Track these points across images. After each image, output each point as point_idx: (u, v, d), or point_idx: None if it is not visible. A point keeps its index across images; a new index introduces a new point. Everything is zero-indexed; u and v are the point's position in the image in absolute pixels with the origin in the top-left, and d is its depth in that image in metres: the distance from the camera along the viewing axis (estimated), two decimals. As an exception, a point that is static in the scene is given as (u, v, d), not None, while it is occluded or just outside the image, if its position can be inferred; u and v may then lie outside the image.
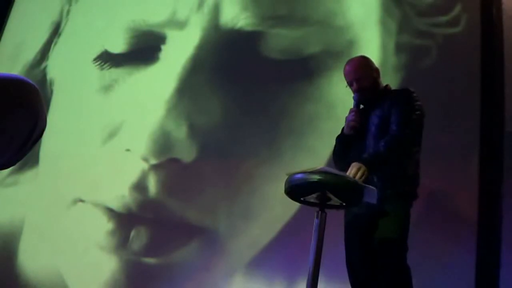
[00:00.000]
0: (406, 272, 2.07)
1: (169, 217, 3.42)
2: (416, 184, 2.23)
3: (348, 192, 1.94)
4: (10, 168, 1.55)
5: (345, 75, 2.38)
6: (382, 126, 2.21)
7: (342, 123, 2.38)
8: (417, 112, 2.21)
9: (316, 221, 1.94)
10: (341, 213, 2.29)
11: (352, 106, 2.34)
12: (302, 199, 2.04)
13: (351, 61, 2.42)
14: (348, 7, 3.47)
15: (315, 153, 3.13)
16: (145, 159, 3.54)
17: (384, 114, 2.23)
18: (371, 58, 2.47)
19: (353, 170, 2.03)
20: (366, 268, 2.16)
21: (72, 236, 3.63)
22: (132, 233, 3.42)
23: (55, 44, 4.54)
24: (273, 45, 3.50)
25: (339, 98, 3.11)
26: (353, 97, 2.33)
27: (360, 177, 2.01)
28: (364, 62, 2.40)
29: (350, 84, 2.36)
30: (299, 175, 1.94)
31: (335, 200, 1.96)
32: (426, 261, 2.11)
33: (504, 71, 2.90)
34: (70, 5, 4.66)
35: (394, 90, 2.42)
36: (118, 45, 4.09)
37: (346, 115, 2.34)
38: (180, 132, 3.53)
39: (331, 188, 1.89)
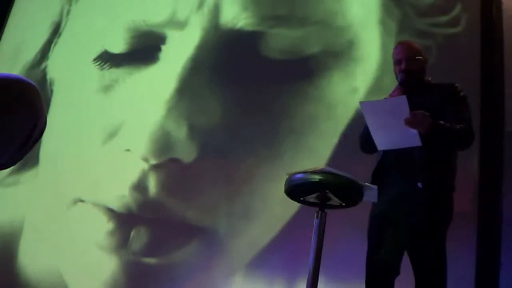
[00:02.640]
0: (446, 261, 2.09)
1: (169, 217, 3.42)
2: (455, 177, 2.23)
3: (348, 192, 1.94)
4: (10, 168, 1.55)
5: (396, 53, 2.32)
6: None
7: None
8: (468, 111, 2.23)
9: (316, 221, 1.94)
10: (340, 213, 2.28)
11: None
12: (302, 199, 2.04)
13: (405, 41, 2.41)
14: (348, 7, 3.47)
15: (315, 153, 3.12)
16: (145, 159, 3.54)
17: (434, 107, 2.14)
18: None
19: (417, 113, 2.01)
20: (395, 263, 2.11)
21: (72, 236, 3.63)
22: (132, 233, 3.42)
23: (55, 44, 4.54)
24: (273, 45, 3.50)
25: (339, 98, 3.11)
26: (398, 78, 2.26)
27: (418, 121, 2.01)
28: (418, 46, 2.36)
29: (398, 62, 2.29)
30: (299, 175, 1.94)
31: (335, 200, 1.96)
32: (426, 261, 2.12)
33: (504, 71, 2.89)
34: (70, 5, 4.66)
35: (443, 84, 2.31)
36: (118, 45, 4.09)
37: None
38: (180, 132, 3.53)
39: (331, 188, 1.89)
